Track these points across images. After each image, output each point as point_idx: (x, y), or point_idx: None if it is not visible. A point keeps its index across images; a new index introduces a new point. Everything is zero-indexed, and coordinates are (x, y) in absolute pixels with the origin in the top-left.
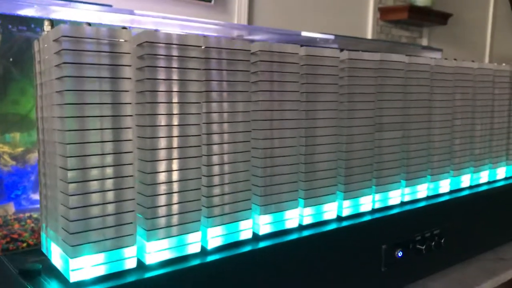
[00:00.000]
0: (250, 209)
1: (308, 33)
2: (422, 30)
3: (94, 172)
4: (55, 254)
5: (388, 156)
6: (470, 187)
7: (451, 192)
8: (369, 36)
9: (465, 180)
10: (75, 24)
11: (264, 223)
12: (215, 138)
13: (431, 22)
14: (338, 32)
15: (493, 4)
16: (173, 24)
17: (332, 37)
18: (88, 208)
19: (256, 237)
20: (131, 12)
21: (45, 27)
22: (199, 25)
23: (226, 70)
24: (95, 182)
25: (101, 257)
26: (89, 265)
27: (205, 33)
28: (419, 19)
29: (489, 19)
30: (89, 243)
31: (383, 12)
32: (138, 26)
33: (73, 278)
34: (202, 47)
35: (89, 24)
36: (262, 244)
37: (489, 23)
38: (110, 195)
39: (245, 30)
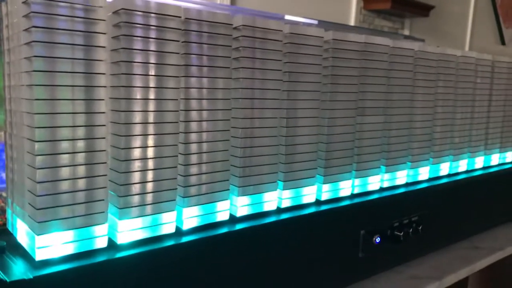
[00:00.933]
0: (228, 190)
1: (292, 17)
2: (404, 21)
3: (64, 145)
4: (21, 231)
5: (369, 141)
6: (449, 175)
7: (430, 179)
8: (351, 24)
9: (444, 168)
10: None
11: (242, 205)
12: (194, 115)
13: (414, 13)
14: (321, 19)
15: None
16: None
17: (315, 22)
18: (57, 183)
19: (233, 219)
20: None
21: None
22: (179, 3)
23: (207, 44)
24: (65, 155)
25: (69, 234)
26: (56, 243)
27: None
28: (402, 10)
29: (470, 12)
30: (57, 219)
31: (367, 1)
32: None
33: (39, 256)
34: (182, 18)
35: None
36: (239, 226)
37: (469, 16)
38: (81, 170)
39: (227, 11)
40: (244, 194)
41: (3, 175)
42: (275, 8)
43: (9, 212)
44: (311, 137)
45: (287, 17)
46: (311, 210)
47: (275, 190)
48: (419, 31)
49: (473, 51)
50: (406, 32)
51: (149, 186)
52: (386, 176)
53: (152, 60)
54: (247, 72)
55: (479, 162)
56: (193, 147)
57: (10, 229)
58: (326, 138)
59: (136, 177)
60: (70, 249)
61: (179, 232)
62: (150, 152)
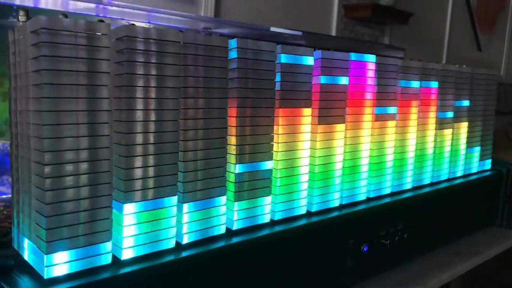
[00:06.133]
0: (225, 204)
1: (277, 28)
2: (384, 29)
3: (70, 167)
4: (28, 250)
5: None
6: (431, 184)
7: (413, 188)
8: (333, 32)
9: (427, 178)
10: (50, 14)
11: (237, 218)
12: (191, 134)
13: (393, 21)
14: (303, 27)
15: (451, 6)
16: (140, 15)
17: (299, 33)
18: (64, 204)
19: (229, 232)
20: (99, 1)
21: (20, 17)
22: (167, 16)
23: (203, 66)
24: (71, 177)
25: (76, 253)
26: (63, 261)
27: (172, 25)
28: (382, 18)
29: (447, 20)
30: (64, 239)
31: (348, 10)
32: (104, 15)
33: (48, 274)
34: (181, 43)
35: (66, 15)
36: (235, 240)
37: (447, 24)
38: (86, 190)
39: (213, 23)
40: (239, 208)
41: None
42: (259, 18)
43: (15, 232)
44: (306, 151)
45: (273, 28)
46: (302, 222)
47: (269, 203)
48: (398, 38)
49: (452, 65)
50: (386, 39)
51: (150, 205)
52: (373, 186)
53: (153, 83)
54: (241, 92)
55: (459, 170)
56: (191, 165)
57: (16, 247)
58: (317, 152)
59: (138, 195)
60: (76, 267)
61: (179, 247)
62: (151, 172)
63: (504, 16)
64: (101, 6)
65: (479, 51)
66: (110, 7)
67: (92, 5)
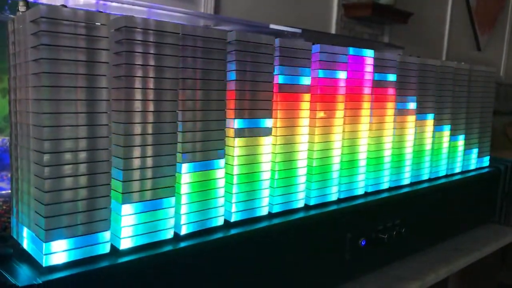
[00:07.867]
0: (223, 196)
1: (276, 26)
2: (383, 28)
3: (69, 156)
4: (27, 239)
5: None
6: (429, 180)
7: (411, 184)
8: (332, 31)
9: (425, 173)
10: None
11: (235, 210)
12: (189, 125)
13: (393, 20)
14: (303, 26)
15: (451, 6)
16: (140, 11)
17: (299, 31)
18: (63, 192)
19: (227, 224)
20: None
21: (19, 7)
22: (167, 13)
23: (202, 58)
24: (70, 166)
25: (75, 241)
26: (62, 249)
27: (172, 22)
28: (382, 17)
29: (447, 19)
30: (63, 227)
31: (347, 9)
32: (104, 11)
33: (46, 262)
34: (180, 35)
35: (65, 6)
36: (233, 231)
37: (446, 23)
38: (85, 180)
39: (213, 20)
40: (238, 200)
41: None
42: (259, 15)
43: (14, 221)
44: (304, 145)
45: (272, 26)
46: (300, 215)
47: (267, 196)
48: (398, 38)
49: (451, 62)
50: (386, 38)
51: (149, 194)
52: (371, 181)
53: (152, 74)
54: (239, 84)
55: (457, 166)
56: (189, 155)
57: (15, 236)
58: (315, 146)
59: (136, 186)
60: (75, 255)
61: (177, 238)
62: (149, 162)
63: (503, 16)
64: (101, 1)
65: (478, 51)
66: (109, 3)
67: (92, 1)
